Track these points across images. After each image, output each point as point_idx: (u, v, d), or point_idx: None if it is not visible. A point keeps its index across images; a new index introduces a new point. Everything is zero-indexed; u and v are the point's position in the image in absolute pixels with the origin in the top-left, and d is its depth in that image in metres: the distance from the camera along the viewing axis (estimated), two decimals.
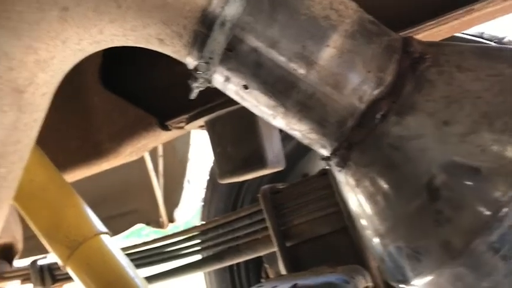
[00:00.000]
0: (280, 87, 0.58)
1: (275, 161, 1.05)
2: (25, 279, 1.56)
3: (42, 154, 1.02)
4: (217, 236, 1.26)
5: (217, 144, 1.07)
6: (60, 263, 0.97)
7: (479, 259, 0.53)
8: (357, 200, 0.61)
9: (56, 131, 1.16)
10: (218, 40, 0.56)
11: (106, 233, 0.99)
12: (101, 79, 1.11)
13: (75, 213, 0.98)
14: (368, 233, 0.61)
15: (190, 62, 0.60)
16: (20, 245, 1.71)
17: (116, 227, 2.11)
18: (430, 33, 0.85)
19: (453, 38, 1.06)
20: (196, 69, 0.58)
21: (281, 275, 1.11)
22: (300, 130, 0.61)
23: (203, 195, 1.87)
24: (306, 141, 0.63)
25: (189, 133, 2.16)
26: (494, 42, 1.49)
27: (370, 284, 0.98)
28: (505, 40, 1.51)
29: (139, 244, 1.37)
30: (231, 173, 1.05)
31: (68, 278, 1.38)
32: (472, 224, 0.52)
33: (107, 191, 2.11)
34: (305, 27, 0.56)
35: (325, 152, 0.63)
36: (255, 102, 0.61)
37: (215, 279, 1.81)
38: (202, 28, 0.56)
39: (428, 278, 0.56)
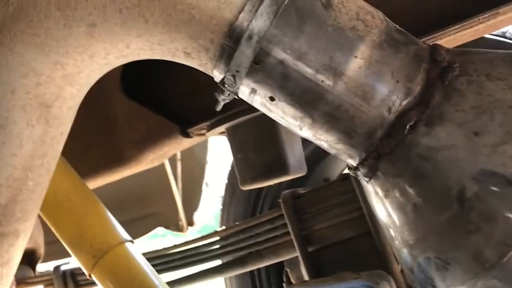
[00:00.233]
0: (308, 98, 0.58)
1: (297, 166, 1.05)
2: (48, 284, 1.57)
3: (65, 163, 1.02)
4: (238, 241, 1.26)
5: (238, 151, 1.07)
6: (85, 271, 0.98)
7: None
8: (385, 211, 0.61)
9: (79, 140, 1.17)
10: (245, 54, 0.56)
11: (130, 241, 1.00)
12: (123, 87, 1.12)
13: (99, 222, 0.98)
14: (397, 243, 0.61)
15: (217, 75, 0.60)
16: (42, 250, 1.73)
17: (136, 231, 2.12)
18: (455, 37, 0.84)
19: (482, 40, 1.05)
20: (223, 82, 0.58)
21: (304, 281, 1.10)
22: (327, 141, 0.61)
23: (222, 199, 1.88)
24: (333, 151, 0.63)
25: None
26: None
27: None
28: None
29: (161, 249, 1.38)
30: (253, 179, 1.05)
31: (91, 284, 1.39)
32: (506, 236, 0.52)
33: (126, 195, 2.12)
34: (332, 39, 0.56)
35: (352, 162, 0.62)
36: (282, 113, 0.61)
37: (236, 284, 1.82)
38: (229, 42, 0.56)
39: None
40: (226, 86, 0.58)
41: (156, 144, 1.09)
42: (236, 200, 1.81)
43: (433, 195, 0.55)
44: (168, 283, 1.29)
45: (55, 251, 1.52)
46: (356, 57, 0.56)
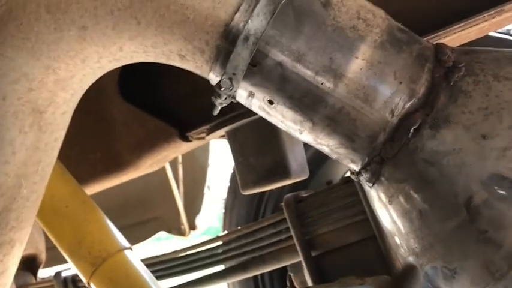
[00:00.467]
0: (307, 101, 0.56)
1: (299, 170, 1.03)
2: None
3: (62, 168, 1.00)
4: (240, 246, 1.24)
5: (239, 154, 1.05)
6: (84, 279, 0.96)
7: None
8: (389, 217, 0.58)
9: (76, 144, 1.15)
10: (242, 55, 0.54)
11: (129, 248, 0.97)
12: (120, 90, 1.10)
13: (97, 229, 0.96)
14: (402, 251, 0.58)
15: (213, 78, 0.58)
16: (43, 256, 1.71)
17: (138, 235, 2.11)
18: (459, 35, 0.82)
19: (486, 38, 1.03)
20: (219, 85, 0.56)
21: (308, 287, 1.08)
22: (328, 145, 0.59)
23: (224, 202, 1.86)
24: (334, 156, 0.61)
25: None
26: None
27: None
28: None
29: (162, 255, 1.36)
30: (255, 183, 1.03)
31: None
32: None
33: (128, 199, 2.11)
34: (332, 39, 0.54)
35: (354, 167, 0.60)
36: (281, 117, 0.58)
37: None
38: (225, 43, 0.54)
39: None
40: (222, 89, 0.56)
41: (154, 149, 1.07)
42: (238, 204, 1.79)
43: (439, 201, 0.53)
44: None
45: (56, 256, 1.51)
46: (357, 58, 0.54)
